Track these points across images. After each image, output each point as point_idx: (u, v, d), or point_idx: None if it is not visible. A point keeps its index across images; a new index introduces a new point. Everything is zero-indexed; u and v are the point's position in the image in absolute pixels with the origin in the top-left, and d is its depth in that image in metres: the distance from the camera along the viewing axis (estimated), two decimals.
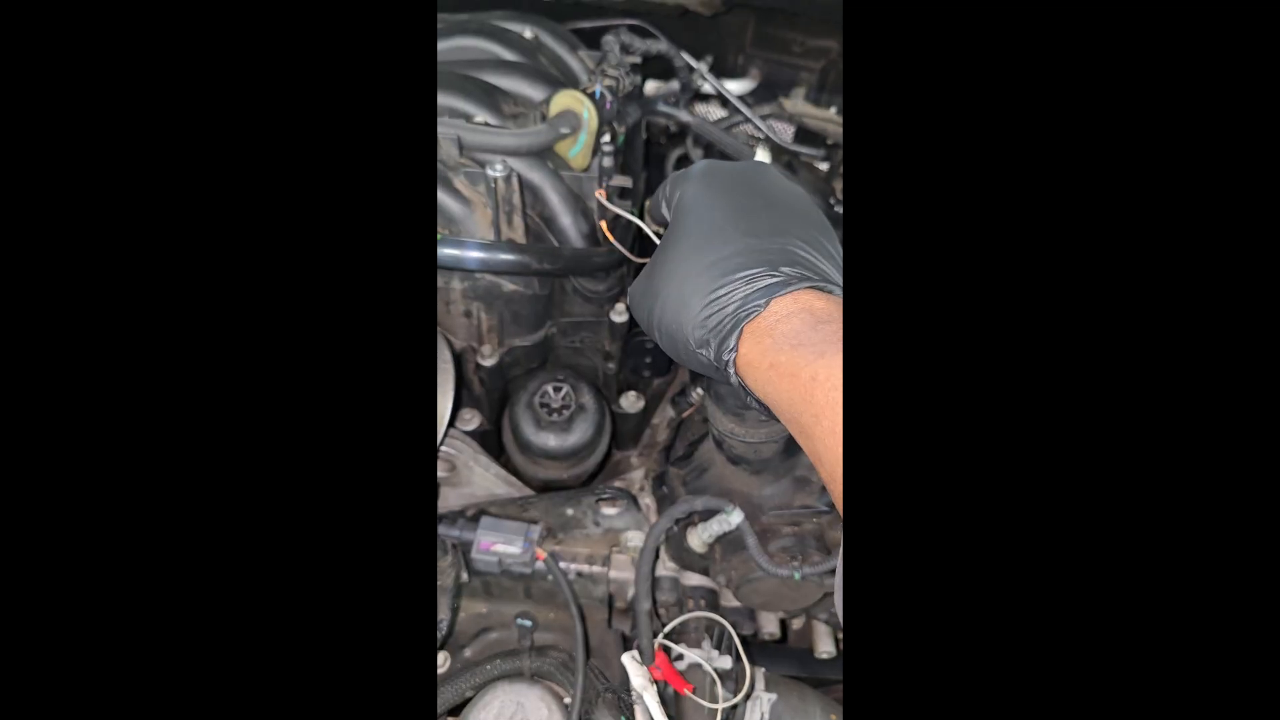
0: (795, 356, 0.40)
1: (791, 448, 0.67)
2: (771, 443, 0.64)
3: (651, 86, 1.10)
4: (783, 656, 0.87)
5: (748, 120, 1.06)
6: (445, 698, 0.67)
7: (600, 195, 0.65)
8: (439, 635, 0.66)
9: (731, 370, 0.44)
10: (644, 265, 0.55)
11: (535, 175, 0.70)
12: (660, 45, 0.93)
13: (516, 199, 0.66)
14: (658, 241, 0.58)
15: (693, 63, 1.01)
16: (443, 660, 0.71)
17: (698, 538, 0.68)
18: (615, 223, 0.67)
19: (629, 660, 0.63)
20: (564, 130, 0.70)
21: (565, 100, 0.72)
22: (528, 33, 0.84)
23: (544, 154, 0.72)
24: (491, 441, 0.79)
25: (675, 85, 1.05)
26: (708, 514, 0.67)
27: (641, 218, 0.80)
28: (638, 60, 0.90)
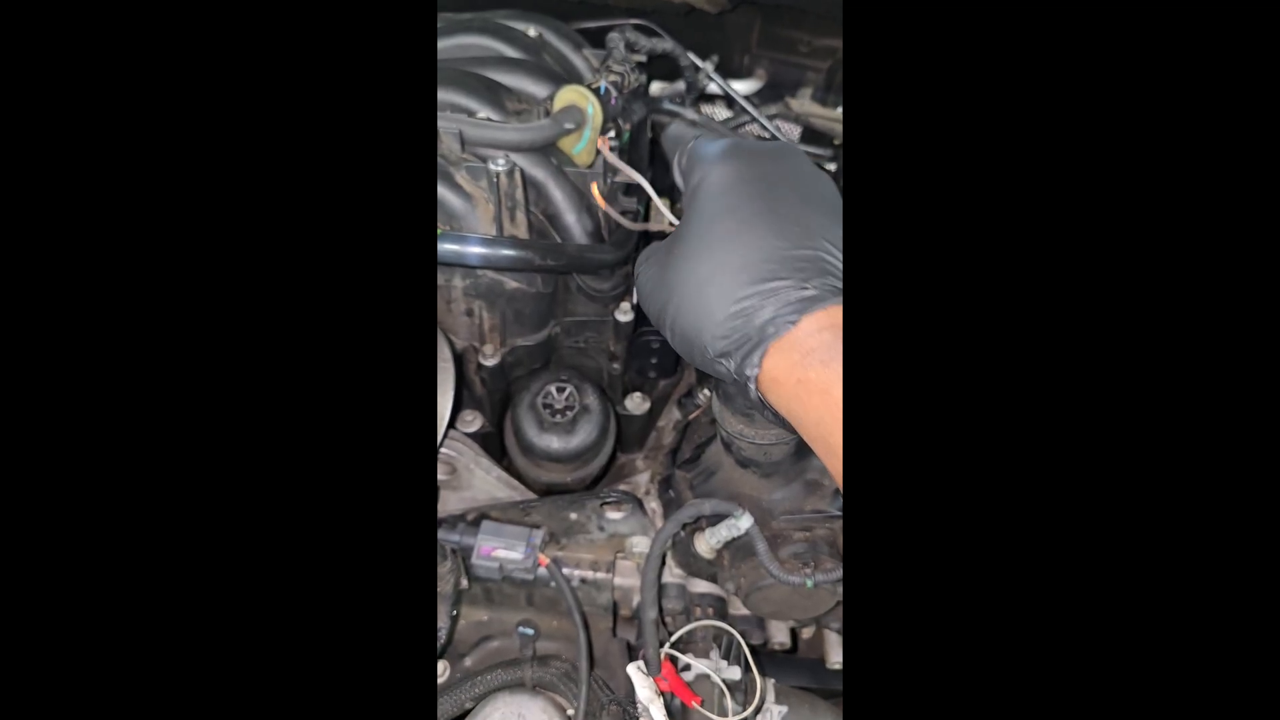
0: (825, 374, 0.39)
1: (802, 450, 0.65)
2: (782, 444, 0.62)
3: (657, 88, 1.09)
4: (793, 667, 0.85)
5: (754, 120, 1.05)
6: (444, 708, 0.65)
7: (594, 189, 0.63)
8: (438, 644, 0.64)
9: (753, 386, 0.42)
10: (652, 239, 0.53)
11: (539, 171, 0.69)
12: (665, 44, 0.92)
13: (519, 194, 0.64)
14: (670, 224, 0.56)
15: (698, 62, 1.00)
16: (442, 670, 0.69)
17: (705, 543, 0.66)
18: (613, 200, 0.66)
19: (634, 671, 0.61)
20: (568, 125, 0.69)
21: (569, 95, 0.70)
22: (532, 31, 0.83)
23: (548, 150, 0.70)
24: (493, 444, 0.77)
25: (681, 86, 1.04)
26: (715, 519, 0.65)
27: (647, 213, 0.79)
28: (643, 59, 0.89)
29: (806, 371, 0.39)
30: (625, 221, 0.62)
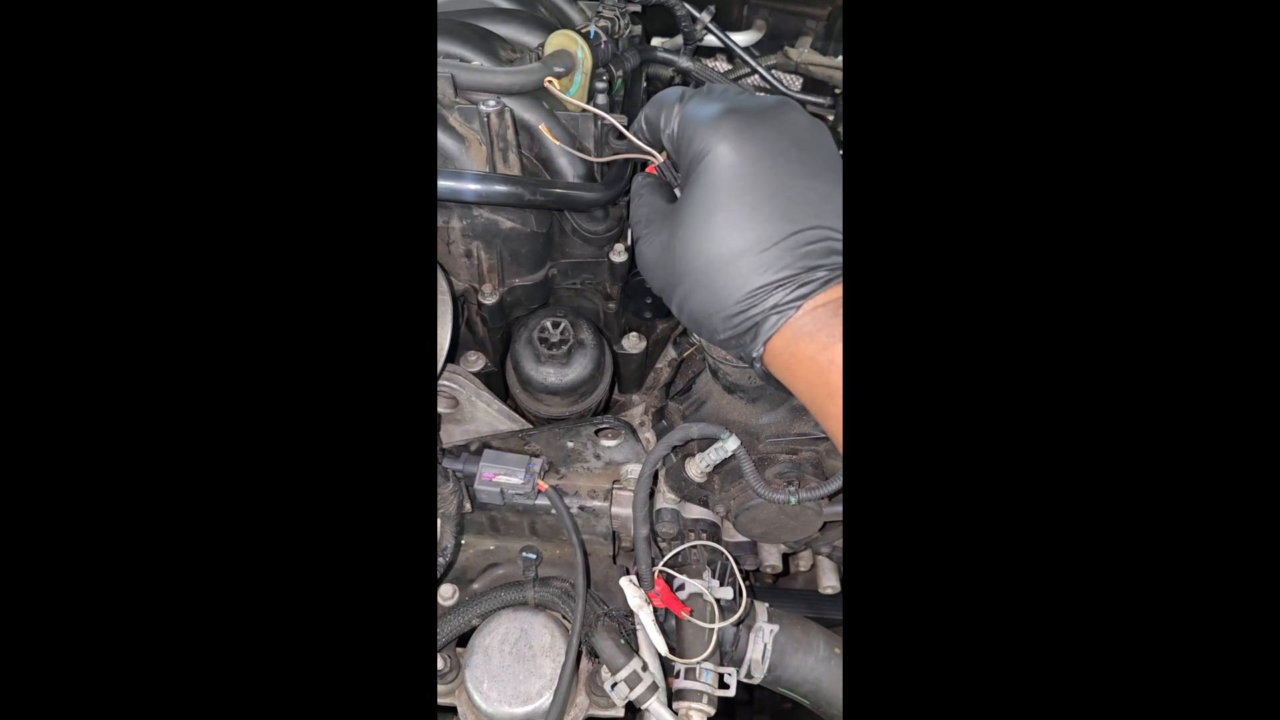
0: (814, 344, 0.43)
1: None
2: None
3: (655, 43, 1.10)
4: (789, 597, 0.87)
5: (754, 72, 1.05)
6: (452, 627, 0.69)
7: (544, 129, 0.65)
8: (443, 562, 0.68)
9: (758, 365, 0.46)
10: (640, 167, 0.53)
11: (530, 115, 0.71)
12: None
13: (511, 135, 0.67)
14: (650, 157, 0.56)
15: (695, 13, 1.01)
16: (450, 593, 0.73)
17: (696, 467, 0.68)
18: (604, 143, 0.68)
19: (626, 582, 0.64)
20: (557, 69, 0.71)
21: (560, 40, 0.72)
22: None
23: (539, 94, 0.73)
24: (496, 383, 0.81)
25: (678, 40, 1.05)
26: (705, 442, 0.68)
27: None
28: (637, 8, 0.91)
29: (798, 344, 0.44)
30: (580, 155, 0.65)
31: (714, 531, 0.75)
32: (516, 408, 0.79)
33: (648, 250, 0.50)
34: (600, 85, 0.71)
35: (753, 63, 1.04)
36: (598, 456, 0.72)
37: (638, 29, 0.91)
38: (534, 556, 0.73)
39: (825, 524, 0.70)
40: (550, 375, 0.74)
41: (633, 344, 0.80)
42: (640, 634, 0.67)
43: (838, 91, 1.10)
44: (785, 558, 0.79)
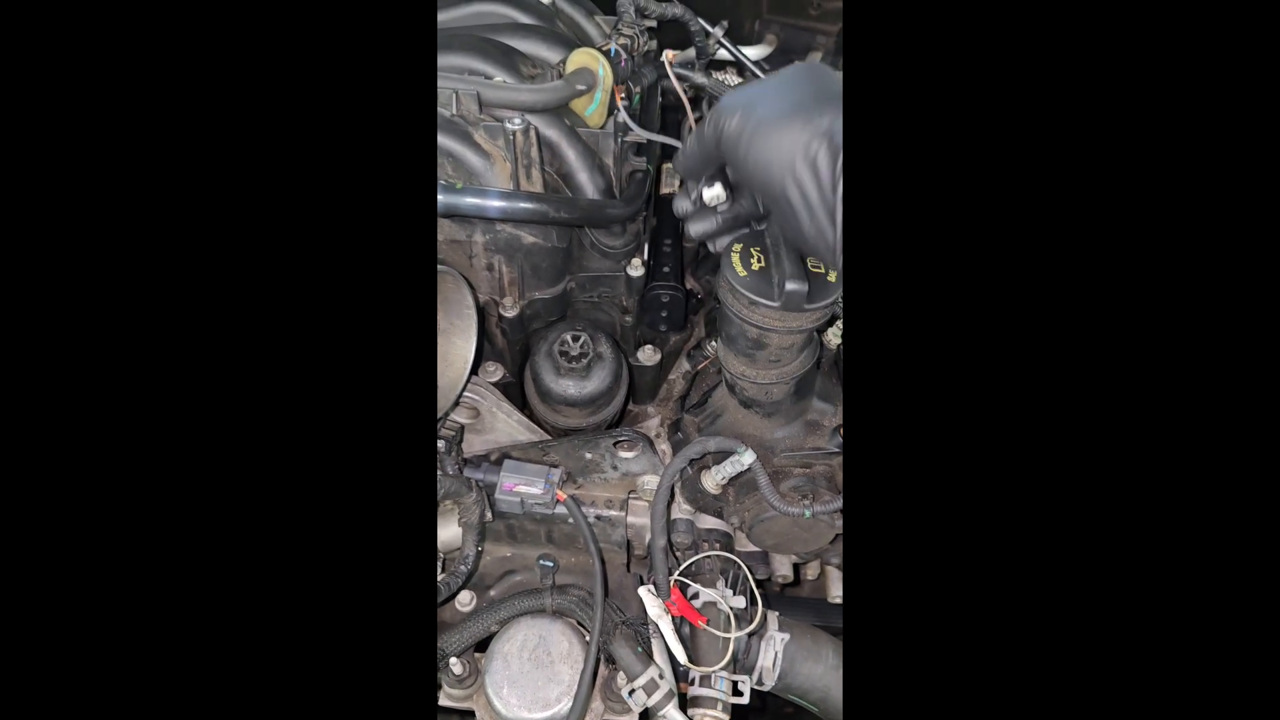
0: None
1: (802, 390, 0.69)
2: (781, 384, 0.66)
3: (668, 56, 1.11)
4: (798, 606, 0.89)
5: None
6: (471, 633, 0.70)
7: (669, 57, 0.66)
8: (465, 570, 0.69)
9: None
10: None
11: (552, 132, 0.73)
12: (675, 9, 0.94)
13: (534, 152, 0.68)
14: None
15: (708, 28, 1.02)
16: (469, 599, 0.74)
17: (711, 479, 0.70)
18: (624, 159, 0.69)
19: (645, 592, 0.66)
20: (580, 87, 0.72)
21: (581, 58, 0.74)
22: None
23: (561, 111, 0.74)
24: (514, 393, 0.82)
25: (691, 53, 1.06)
26: (721, 455, 0.69)
27: (658, 177, 0.82)
28: (653, 24, 0.92)
29: None
30: (642, 132, 0.66)
31: (727, 541, 0.77)
32: (533, 418, 0.81)
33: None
34: (622, 103, 0.73)
35: (764, 77, 1.06)
36: (615, 468, 0.74)
37: (653, 44, 0.92)
38: (551, 564, 0.74)
39: (836, 535, 0.72)
40: (570, 387, 0.75)
41: (648, 356, 0.81)
42: (656, 641, 0.68)
43: None
44: (795, 567, 0.81)
